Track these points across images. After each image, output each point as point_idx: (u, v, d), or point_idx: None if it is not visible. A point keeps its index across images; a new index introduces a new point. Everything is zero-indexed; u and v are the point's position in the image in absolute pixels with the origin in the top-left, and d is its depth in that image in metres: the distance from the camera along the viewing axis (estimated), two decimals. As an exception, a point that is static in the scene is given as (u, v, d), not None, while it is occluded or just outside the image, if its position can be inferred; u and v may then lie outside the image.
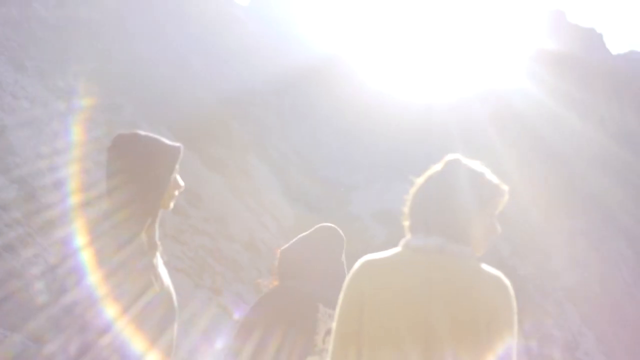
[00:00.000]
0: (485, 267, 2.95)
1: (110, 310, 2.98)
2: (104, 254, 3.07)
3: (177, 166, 3.16)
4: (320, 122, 12.41)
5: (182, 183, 3.10)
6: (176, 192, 3.11)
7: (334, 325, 2.72)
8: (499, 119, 12.47)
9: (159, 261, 3.08)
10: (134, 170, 3.03)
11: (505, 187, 2.88)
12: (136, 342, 2.84)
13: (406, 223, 2.79)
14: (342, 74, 12.85)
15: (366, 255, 2.63)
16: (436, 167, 2.79)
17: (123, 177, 3.03)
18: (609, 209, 12.22)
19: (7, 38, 9.48)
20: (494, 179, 2.82)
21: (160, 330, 2.93)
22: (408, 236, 2.72)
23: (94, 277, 3.04)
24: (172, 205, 3.10)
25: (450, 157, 2.80)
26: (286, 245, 4.05)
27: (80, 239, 3.14)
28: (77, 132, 8.91)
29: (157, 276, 3.02)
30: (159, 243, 3.15)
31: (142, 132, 3.15)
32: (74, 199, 7.46)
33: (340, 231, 4.00)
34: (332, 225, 4.02)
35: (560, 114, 13.28)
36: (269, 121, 12.22)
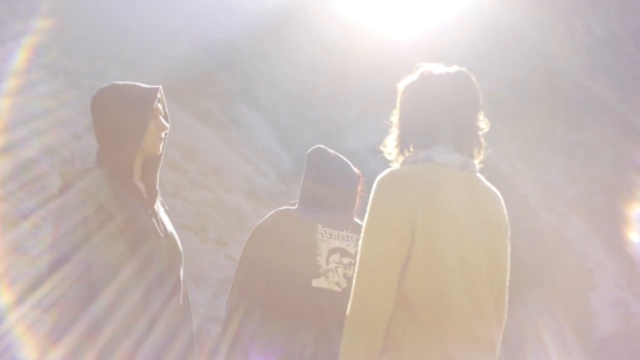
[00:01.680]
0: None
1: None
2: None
3: (157, 107, 3.10)
4: (306, 62, 12.29)
5: (166, 124, 3.05)
6: (161, 134, 3.07)
7: (371, 241, 2.56)
8: (481, 43, 12.37)
9: (160, 209, 3.07)
10: (110, 119, 3.01)
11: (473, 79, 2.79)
12: (140, 285, 2.82)
13: (403, 135, 2.67)
14: (325, 11, 12.69)
15: (391, 169, 2.54)
16: (412, 78, 2.70)
17: (102, 128, 3.02)
18: (601, 117, 12.20)
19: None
20: (466, 76, 2.73)
21: (166, 274, 2.92)
22: (423, 150, 2.63)
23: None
24: (160, 148, 3.06)
25: (427, 66, 2.71)
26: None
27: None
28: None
29: (159, 221, 3.00)
30: (158, 190, 3.11)
31: (121, 83, 3.10)
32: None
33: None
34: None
35: (545, 24, 13.17)
36: (255, 67, 12.10)
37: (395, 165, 2.66)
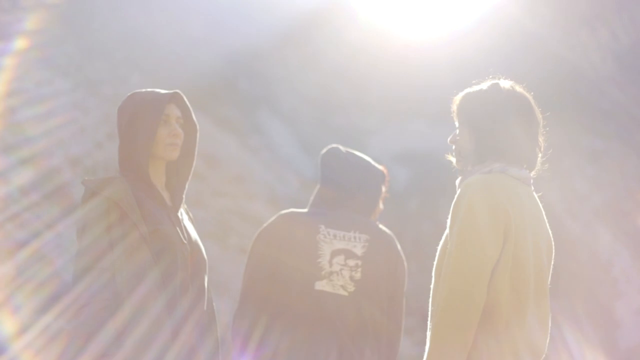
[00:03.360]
0: None
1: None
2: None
3: (170, 113, 3.07)
4: (328, 69, 12.26)
5: (177, 130, 3.02)
6: (173, 140, 3.03)
7: (469, 246, 2.56)
8: (503, 48, 12.29)
9: (184, 217, 3.04)
10: (123, 126, 3.01)
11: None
12: (164, 293, 2.79)
13: (481, 146, 2.70)
14: (346, 17, 12.66)
15: (480, 177, 2.56)
16: (482, 87, 2.75)
17: (119, 136, 3.02)
18: (626, 124, 12.10)
19: None
20: (527, 95, 2.83)
21: (190, 282, 2.89)
22: (497, 162, 2.69)
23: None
24: (174, 154, 3.03)
25: (501, 82, 2.78)
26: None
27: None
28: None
29: (183, 229, 2.98)
30: (183, 197, 3.09)
31: (141, 90, 3.09)
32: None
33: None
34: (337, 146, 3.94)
35: (569, 29, 13.07)
36: (276, 74, 12.08)
37: (471, 173, 2.70)
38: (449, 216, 2.60)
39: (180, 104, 3.13)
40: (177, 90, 3.14)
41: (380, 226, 3.81)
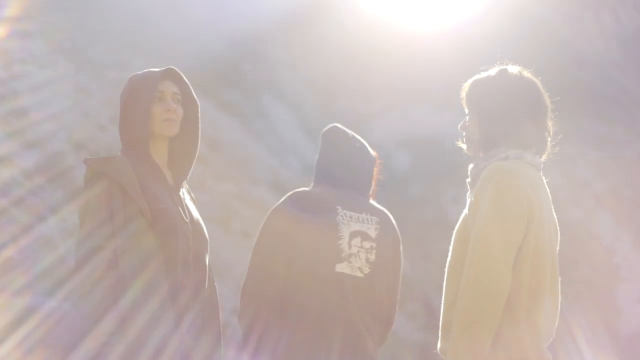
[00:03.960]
0: None
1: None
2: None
3: (164, 89, 3.06)
4: (331, 54, 12.23)
5: (172, 105, 3.01)
6: (169, 116, 3.03)
7: (495, 231, 2.58)
8: (508, 35, 12.25)
9: (186, 196, 3.05)
10: (122, 107, 3.03)
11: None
12: (167, 276, 2.79)
13: (491, 132, 2.71)
14: (350, 2, 12.62)
15: (503, 163, 2.57)
16: (489, 74, 2.75)
17: (119, 116, 3.03)
18: (630, 110, 12.07)
19: None
20: (537, 81, 2.84)
21: (192, 262, 2.89)
22: (512, 149, 2.71)
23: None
24: (171, 130, 3.02)
25: (509, 67, 2.78)
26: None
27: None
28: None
29: (185, 208, 2.98)
30: (186, 176, 3.07)
31: (141, 71, 3.10)
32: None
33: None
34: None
35: (573, 14, 13.02)
36: (280, 58, 12.05)
37: (485, 159, 2.71)
38: (471, 200, 2.60)
39: (178, 80, 3.12)
40: (172, 67, 3.13)
41: (382, 208, 3.84)
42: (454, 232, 2.70)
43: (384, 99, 11.99)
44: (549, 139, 2.82)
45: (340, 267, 3.60)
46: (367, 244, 3.66)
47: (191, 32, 11.47)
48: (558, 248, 2.78)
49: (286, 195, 3.80)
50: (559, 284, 2.68)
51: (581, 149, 11.27)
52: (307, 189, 3.83)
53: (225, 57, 11.44)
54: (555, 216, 2.75)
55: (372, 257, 3.65)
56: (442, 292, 2.71)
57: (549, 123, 2.83)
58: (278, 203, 3.79)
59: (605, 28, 13.11)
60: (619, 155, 11.37)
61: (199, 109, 3.17)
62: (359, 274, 3.62)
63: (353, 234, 3.63)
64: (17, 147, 7.32)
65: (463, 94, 2.80)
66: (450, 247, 2.69)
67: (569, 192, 10.72)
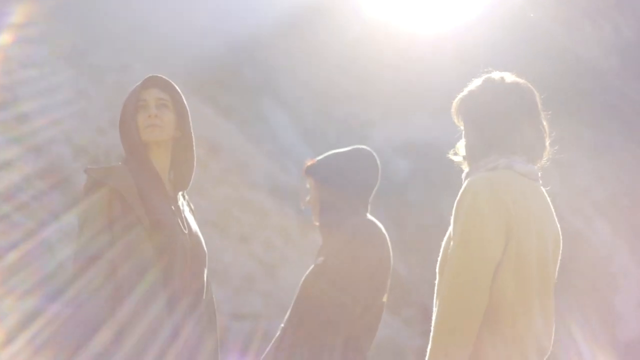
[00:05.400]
0: None
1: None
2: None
3: (145, 97, 3.06)
4: (330, 59, 12.24)
5: (153, 111, 3.01)
6: (149, 122, 3.02)
7: (471, 246, 2.53)
8: (506, 42, 12.27)
9: (185, 208, 3.04)
10: (119, 117, 3.06)
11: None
12: (165, 287, 2.79)
13: (479, 142, 2.68)
14: (349, 8, 12.64)
15: (482, 175, 2.54)
16: (476, 84, 2.72)
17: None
18: (628, 118, 12.09)
19: None
20: (529, 86, 2.79)
21: (189, 274, 2.89)
22: (502, 158, 2.65)
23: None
24: (155, 135, 3.01)
25: (492, 75, 2.75)
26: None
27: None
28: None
29: (184, 220, 2.97)
30: (186, 185, 3.07)
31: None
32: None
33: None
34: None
35: (572, 23, 13.04)
36: (279, 63, 12.07)
37: (476, 169, 2.67)
38: (452, 214, 2.58)
39: (165, 86, 3.12)
40: (156, 75, 3.14)
41: None
42: (443, 243, 2.65)
43: (383, 105, 12.00)
44: (547, 140, 2.75)
45: (385, 297, 3.61)
46: None
47: (191, 37, 11.49)
48: (560, 254, 2.74)
49: (364, 225, 3.64)
50: (551, 296, 2.60)
51: (580, 157, 11.29)
52: (372, 219, 3.71)
53: (225, 62, 11.45)
54: (557, 225, 2.68)
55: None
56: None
57: (544, 124, 2.76)
58: (366, 233, 3.64)
59: (604, 36, 13.14)
60: (617, 163, 11.39)
61: (189, 113, 3.16)
62: (385, 300, 3.67)
63: None
64: (18, 152, 7.34)
65: (453, 111, 2.76)
66: (439, 259, 2.65)
67: (567, 199, 10.73)
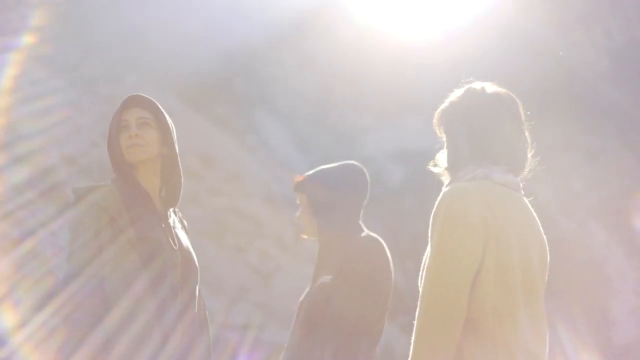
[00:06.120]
0: None
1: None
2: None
3: (126, 117, 3.09)
4: (323, 68, 12.26)
5: (133, 131, 3.03)
6: (131, 142, 3.04)
7: (447, 257, 2.51)
8: (498, 47, 12.30)
9: (177, 224, 3.04)
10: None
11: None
12: (153, 299, 2.79)
13: (458, 153, 2.68)
14: (341, 17, 12.66)
15: (458, 186, 2.54)
16: (457, 94, 2.72)
17: None
18: (622, 122, 12.12)
19: None
20: (511, 96, 2.78)
21: (180, 288, 2.89)
22: (480, 168, 2.64)
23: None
24: (137, 155, 3.02)
25: (473, 85, 2.74)
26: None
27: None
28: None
29: (174, 235, 2.97)
30: (175, 201, 3.08)
31: None
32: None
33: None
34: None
35: (564, 28, 13.09)
36: (272, 73, 12.08)
37: (452, 181, 2.66)
38: (430, 225, 2.57)
39: (147, 105, 3.12)
40: (137, 94, 3.15)
41: None
42: (424, 257, 2.64)
43: (377, 112, 12.01)
44: (529, 151, 2.73)
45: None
46: None
47: (183, 48, 11.50)
48: (548, 261, 2.72)
49: (370, 243, 3.64)
50: (540, 303, 2.57)
51: (573, 162, 11.31)
52: (373, 235, 3.72)
53: (218, 72, 11.46)
54: (542, 234, 2.65)
55: None
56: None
57: (526, 134, 2.74)
58: (374, 250, 3.64)
59: (596, 41, 13.17)
60: (611, 168, 11.40)
61: (174, 129, 3.15)
62: None
63: None
64: (9, 162, 7.33)
65: (435, 122, 2.76)
66: (420, 273, 2.64)
67: (561, 204, 10.74)
